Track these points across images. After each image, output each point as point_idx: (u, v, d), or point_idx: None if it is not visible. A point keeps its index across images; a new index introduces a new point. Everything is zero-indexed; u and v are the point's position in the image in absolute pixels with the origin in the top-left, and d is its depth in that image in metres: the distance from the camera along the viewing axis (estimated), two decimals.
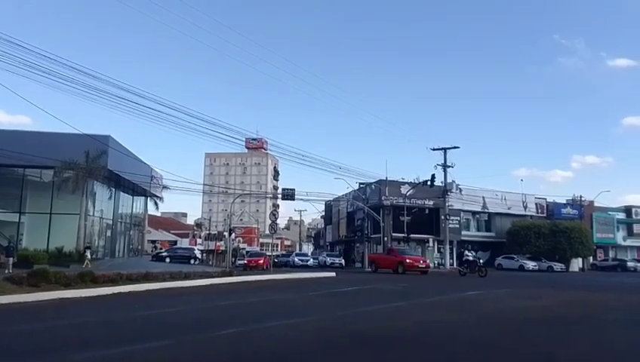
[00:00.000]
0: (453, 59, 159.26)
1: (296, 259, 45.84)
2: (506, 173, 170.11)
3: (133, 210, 43.39)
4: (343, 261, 45.50)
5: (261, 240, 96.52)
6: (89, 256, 27.00)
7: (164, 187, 40.51)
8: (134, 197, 42.22)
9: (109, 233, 37.43)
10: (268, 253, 47.98)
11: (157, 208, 45.58)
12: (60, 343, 7.03)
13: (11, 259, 21.32)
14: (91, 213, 32.22)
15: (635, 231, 58.35)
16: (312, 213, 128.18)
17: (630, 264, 47.02)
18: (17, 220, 30.92)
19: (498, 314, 11.11)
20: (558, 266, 42.96)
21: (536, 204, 54.35)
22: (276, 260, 43.39)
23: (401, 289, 18.07)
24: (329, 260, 45.22)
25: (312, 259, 46.40)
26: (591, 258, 51.58)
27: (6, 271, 16.40)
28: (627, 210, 59.37)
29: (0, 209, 30.35)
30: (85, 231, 30.10)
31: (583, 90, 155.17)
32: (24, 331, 8.28)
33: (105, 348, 6.50)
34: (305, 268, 40.36)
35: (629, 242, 58.45)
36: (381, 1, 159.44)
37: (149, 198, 43.18)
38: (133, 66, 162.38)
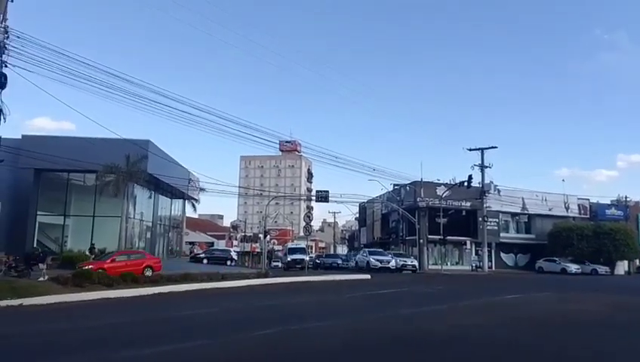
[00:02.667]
0: (492, 58, 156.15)
1: (372, 260, 34.22)
2: (547, 173, 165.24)
3: (172, 212, 44.43)
4: (416, 263, 36.99)
5: (295, 241, 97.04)
6: (91, 257, 25.52)
7: (201, 189, 41.27)
8: (173, 199, 43.24)
9: (148, 235, 38.45)
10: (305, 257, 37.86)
11: (194, 210, 46.50)
12: (103, 341, 7.29)
13: (45, 264, 19.11)
14: (132, 216, 33.16)
15: None
16: (346, 215, 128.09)
17: None
18: (62, 223, 32.17)
19: (535, 317, 10.82)
20: (602, 269, 41.45)
21: (578, 204, 52.60)
22: (318, 261, 42.89)
23: (437, 293, 17.84)
24: (397, 261, 34.91)
25: (392, 260, 34.93)
26: (637, 261, 49.57)
27: (40, 278, 16.61)
28: None
29: (46, 212, 31.61)
30: (127, 233, 31.00)
31: (627, 85, 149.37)
32: (69, 329, 8.61)
33: (146, 347, 6.70)
34: (381, 270, 32.42)
35: None
36: None
37: (186, 201, 44.12)
38: (168, 72, 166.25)
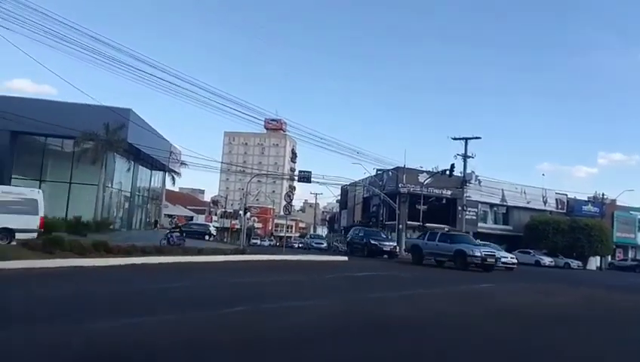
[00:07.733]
0: (481, 51, 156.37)
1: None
2: (528, 166, 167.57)
3: (152, 183, 43.84)
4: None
5: (276, 220, 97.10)
6: None
7: (183, 163, 40.75)
8: (153, 171, 42.63)
9: (126, 205, 37.91)
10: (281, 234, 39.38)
11: (173, 183, 45.85)
12: (66, 312, 7.06)
13: None
14: (110, 185, 32.60)
15: None
16: (328, 197, 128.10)
17: None
18: (37, 188, 31.42)
19: (509, 307, 10.90)
20: (575, 263, 42.35)
21: (556, 199, 53.45)
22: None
23: (414, 278, 17.90)
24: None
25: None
26: (609, 257, 50.71)
27: (12, 242, 16.20)
28: None
29: (21, 176, 30.84)
30: (103, 201, 30.48)
31: (613, 85, 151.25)
32: (35, 296, 8.36)
33: (111, 318, 6.50)
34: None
35: None
36: None
37: (167, 173, 43.56)
38: (154, 44, 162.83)
